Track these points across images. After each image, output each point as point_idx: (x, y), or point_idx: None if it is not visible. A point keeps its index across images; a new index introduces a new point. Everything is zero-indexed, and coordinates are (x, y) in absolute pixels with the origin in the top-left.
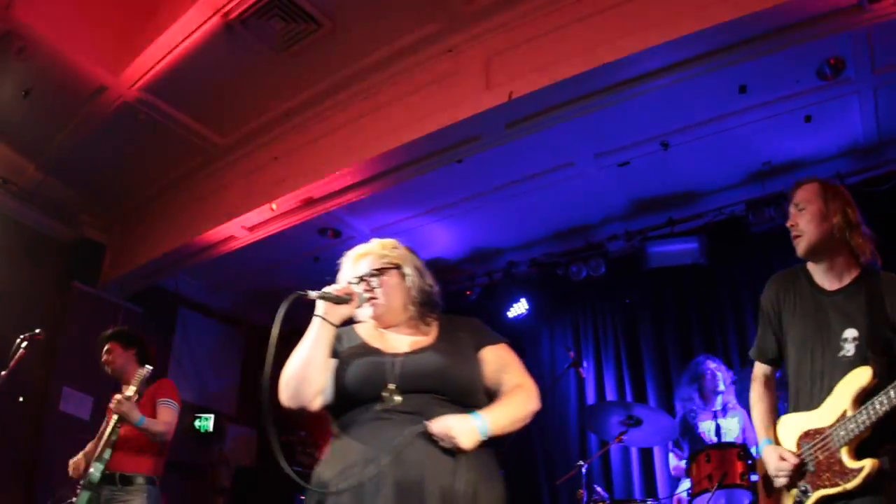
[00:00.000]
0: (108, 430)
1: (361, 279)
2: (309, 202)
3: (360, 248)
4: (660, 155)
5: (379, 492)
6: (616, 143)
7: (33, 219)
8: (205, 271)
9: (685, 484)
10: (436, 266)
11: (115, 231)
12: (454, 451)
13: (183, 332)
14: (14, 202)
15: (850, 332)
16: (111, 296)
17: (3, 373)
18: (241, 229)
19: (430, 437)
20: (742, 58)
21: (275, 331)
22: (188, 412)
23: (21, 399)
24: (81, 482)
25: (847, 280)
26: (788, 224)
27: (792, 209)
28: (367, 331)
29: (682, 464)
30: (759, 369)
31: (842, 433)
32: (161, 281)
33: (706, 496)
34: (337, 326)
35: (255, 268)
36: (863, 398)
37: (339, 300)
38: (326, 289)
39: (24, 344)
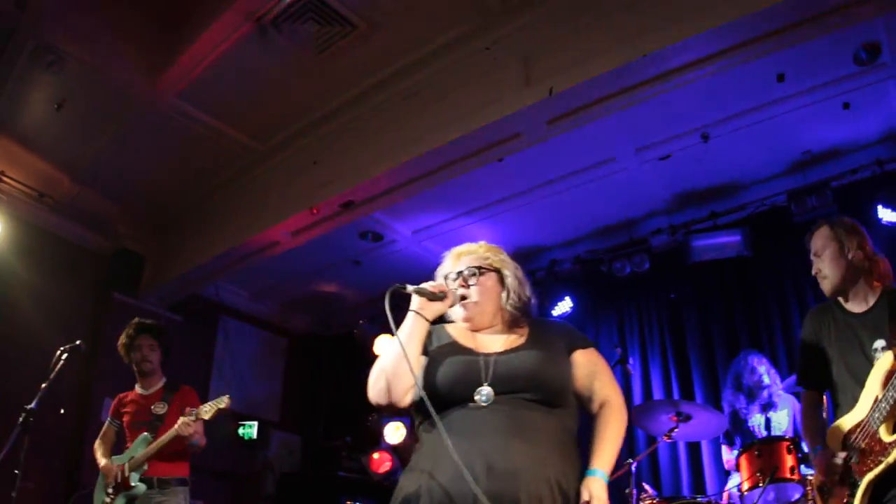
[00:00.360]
0: (154, 443)
1: (459, 275)
2: (350, 205)
3: (463, 246)
4: (700, 147)
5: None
6: (657, 137)
7: (71, 231)
8: (245, 279)
9: (735, 479)
10: None
11: (154, 241)
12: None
13: (224, 341)
14: (51, 216)
15: (879, 343)
16: (151, 306)
17: (43, 384)
18: (284, 234)
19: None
20: (779, 45)
21: (390, 318)
22: (232, 420)
23: (62, 411)
24: (111, 489)
25: (871, 301)
26: (813, 273)
27: (813, 259)
28: (457, 330)
29: (731, 456)
30: (810, 397)
31: (876, 415)
32: (201, 290)
33: (757, 491)
34: (430, 322)
35: (296, 274)
36: (889, 378)
37: (433, 296)
38: (423, 284)
39: (65, 356)
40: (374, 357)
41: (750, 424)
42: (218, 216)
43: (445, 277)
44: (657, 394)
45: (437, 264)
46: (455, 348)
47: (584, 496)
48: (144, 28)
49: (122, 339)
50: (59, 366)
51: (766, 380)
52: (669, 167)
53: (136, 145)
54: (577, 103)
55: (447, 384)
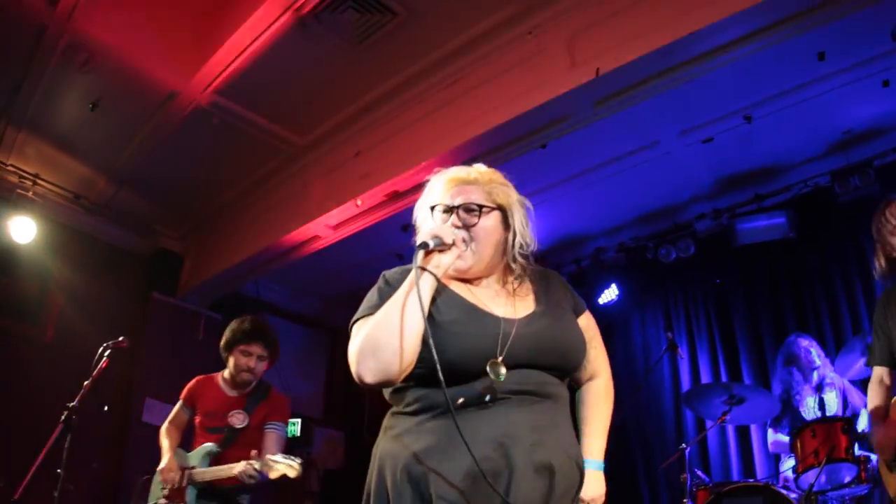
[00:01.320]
0: (219, 471)
1: (453, 211)
2: (394, 196)
3: (460, 171)
4: (743, 129)
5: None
6: (699, 120)
7: (108, 233)
8: (286, 276)
9: (790, 462)
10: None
11: (192, 240)
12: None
13: None
14: (87, 217)
15: None
16: (191, 305)
17: (86, 382)
18: (325, 228)
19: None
20: (818, 22)
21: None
22: None
23: (106, 408)
24: (166, 490)
25: None
26: None
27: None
28: (448, 281)
29: (781, 438)
30: (876, 372)
31: None
32: (241, 288)
33: (811, 473)
34: (438, 280)
35: (337, 269)
36: None
37: (442, 246)
38: (423, 235)
39: (108, 352)
40: None
41: (801, 407)
42: (257, 212)
43: (432, 209)
44: (705, 379)
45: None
46: (463, 310)
47: (586, 496)
48: (179, 23)
49: (234, 332)
50: (101, 363)
51: (818, 361)
52: (712, 150)
53: (172, 143)
54: (623, 84)
55: (458, 355)
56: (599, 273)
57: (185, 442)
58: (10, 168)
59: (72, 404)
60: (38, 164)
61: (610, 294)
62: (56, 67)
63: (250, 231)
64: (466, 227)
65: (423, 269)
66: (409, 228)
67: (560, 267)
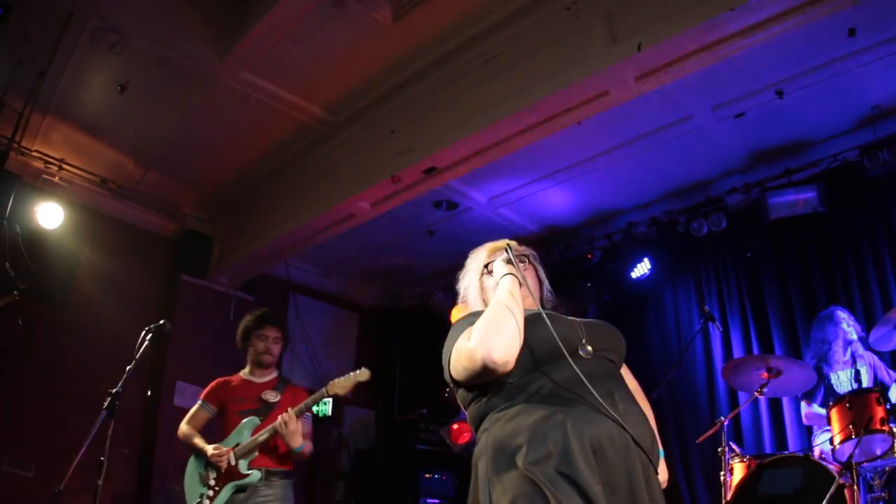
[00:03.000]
0: (261, 436)
1: (511, 255)
2: (432, 171)
3: (496, 243)
4: (775, 104)
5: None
6: (732, 94)
7: (136, 216)
8: (316, 255)
9: (823, 435)
10: (555, 231)
11: (221, 221)
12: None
13: (296, 318)
14: (114, 201)
15: None
16: (221, 287)
17: (128, 367)
18: (361, 206)
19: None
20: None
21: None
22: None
23: (149, 393)
24: (213, 479)
25: None
26: None
27: None
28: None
29: (817, 410)
30: None
31: None
32: (271, 268)
33: (849, 444)
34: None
35: (367, 248)
36: None
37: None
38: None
39: (150, 336)
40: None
41: (832, 381)
42: (289, 192)
43: (485, 267)
44: (737, 353)
45: (511, 231)
46: (532, 314)
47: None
48: (211, 1)
49: (247, 323)
50: (144, 346)
51: (853, 335)
52: (744, 125)
53: (202, 124)
54: (664, 59)
55: (551, 342)
56: (631, 247)
57: (215, 438)
58: (35, 154)
59: (115, 390)
60: (64, 149)
61: (642, 268)
62: (84, 50)
63: (283, 210)
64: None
65: (513, 274)
66: (441, 205)
67: (592, 241)
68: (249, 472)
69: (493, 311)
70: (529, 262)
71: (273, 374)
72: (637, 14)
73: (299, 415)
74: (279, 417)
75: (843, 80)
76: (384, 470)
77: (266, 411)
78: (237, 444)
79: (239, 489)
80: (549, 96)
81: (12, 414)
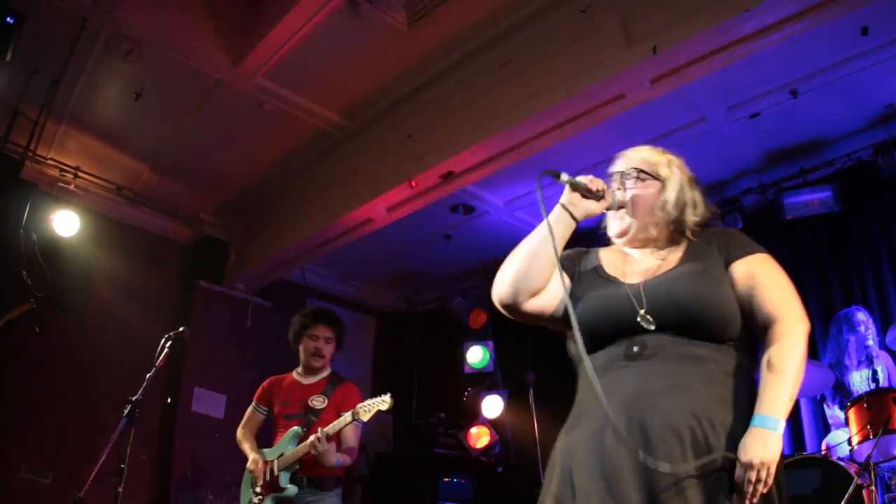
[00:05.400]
0: (300, 450)
1: (619, 175)
2: (450, 176)
3: (637, 148)
4: (789, 104)
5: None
6: (747, 95)
7: (152, 223)
8: (332, 260)
9: (833, 435)
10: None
11: (238, 227)
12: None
13: None
14: (130, 208)
15: None
16: (238, 293)
17: (148, 374)
18: (379, 211)
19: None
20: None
21: (542, 202)
22: None
23: (169, 400)
24: (259, 487)
25: None
26: None
27: None
28: (609, 254)
29: (837, 413)
30: None
31: None
32: (288, 274)
33: (867, 444)
34: (577, 222)
35: (384, 252)
36: None
37: (588, 193)
38: (579, 177)
39: (169, 343)
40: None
41: (848, 380)
42: (305, 197)
43: (610, 177)
44: None
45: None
46: (597, 277)
47: (740, 454)
48: (225, 7)
49: (298, 320)
50: (164, 354)
51: (871, 335)
52: (759, 125)
53: (218, 130)
54: (680, 61)
55: (592, 318)
56: None
57: (266, 442)
58: (50, 162)
59: (134, 397)
60: (79, 157)
61: None
62: (98, 58)
63: (299, 216)
64: (625, 188)
65: (563, 205)
66: (458, 209)
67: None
68: (287, 486)
69: (523, 242)
70: (641, 177)
71: (324, 374)
72: (652, 16)
73: (328, 437)
74: (311, 438)
75: (856, 79)
76: (402, 474)
77: (310, 419)
78: (281, 455)
79: (278, 501)
80: (565, 100)
81: (30, 421)
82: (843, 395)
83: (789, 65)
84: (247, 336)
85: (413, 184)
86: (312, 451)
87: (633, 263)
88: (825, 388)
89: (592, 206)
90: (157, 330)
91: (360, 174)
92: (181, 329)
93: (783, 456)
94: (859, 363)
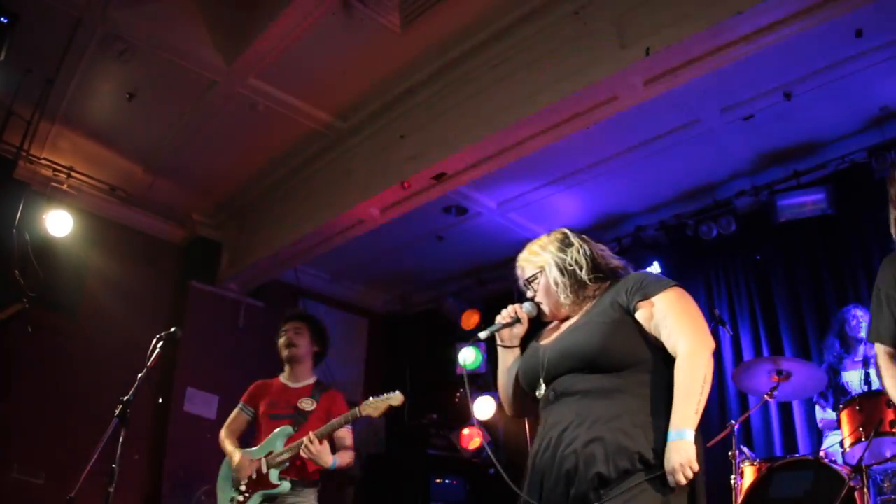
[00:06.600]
0: (292, 449)
1: (524, 284)
2: (442, 177)
3: (524, 252)
4: (783, 106)
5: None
6: (740, 97)
7: (144, 223)
8: (325, 261)
9: (831, 439)
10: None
11: (230, 227)
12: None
13: None
14: (123, 208)
15: None
16: (230, 293)
17: (139, 374)
18: (371, 212)
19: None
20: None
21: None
22: None
23: (160, 400)
24: (244, 485)
25: None
26: None
27: None
28: (548, 329)
29: (830, 415)
30: (881, 349)
31: None
32: (280, 274)
33: (859, 446)
34: (518, 346)
35: (376, 253)
36: None
37: (507, 325)
38: (497, 319)
39: (161, 343)
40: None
41: (843, 380)
42: (298, 198)
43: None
44: (747, 355)
45: (520, 236)
46: (533, 348)
47: (668, 468)
48: (218, 7)
49: (278, 329)
50: (155, 354)
51: (863, 334)
52: (753, 127)
53: (211, 130)
54: (673, 63)
55: (521, 380)
56: (641, 251)
57: (246, 444)
58: (43, 162)
59: (126, 397)
60: (72, 157)
61: (651, 272)
62: (92, 59)
63: (292, 217)
64: (535, 293)
65: (501, 346)
66: (450, 210)
67: None
68: (279, 482)
69: None
70: (533, 279)
71: (310, 380)
72: (645, 18)
73: (321, 437)
74: (303, 440)
75: (850, 81)
76: (394, 475)
77: (300, 420)
78: (270, 453)
79: (267, 498)
80: (558, 101)
81: (22, 421)
82: (837, 396)
83: (783, 67)
84: (239, 337)
85: (406, 185)
86: (304, 454)
87: (559, 329)
88: (818, 390)
89: (518, 329)
90: (149, 330)
91: (353, 175)
92: (173, 329)
93: (773, 458)
94: (855, 363)
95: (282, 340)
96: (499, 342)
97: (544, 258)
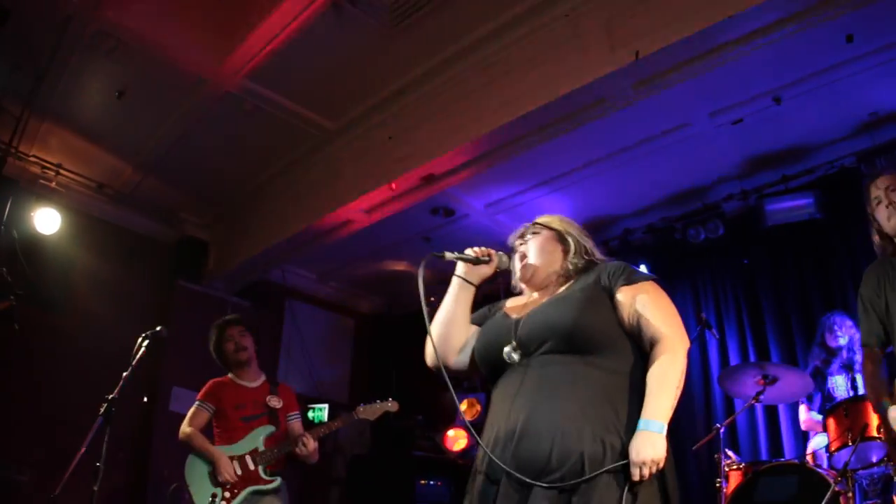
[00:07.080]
0: (284, 447)
1: (520, 236)
2: (429, 179)
3: (539, 217)
4: (772, 110)
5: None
6: (730, 101)
7: (132, 221)
8: (312, 261)
9: (817, 440)
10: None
11: (218, 227)
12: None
13: (292, 324)
14: (111, 206)
15: None
16: (217, 292)
17: (125, 373)
18: (358, 212)
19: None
20: (850, 6)
21: (421, 290)
22: (301, 403)
23: (145, 399)
24: (230, 482)
25: None
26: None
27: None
28: (514, 301)
29: (815, 416)
30: (869, 353)
31: None
32: (267, 274)
33: (845, 451)
34: (476, 286)
35: (364, 254)
36: None
37: (477, 261)
38: (467, 250)
39: (146, 342)
40: None
41: (829, 385)
42: (286, 198)
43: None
44: (734, 359)
45: (507, 238)
46: (499, 316)
47: (631, 456)
48: (209, 7)
49: (211, 342)
50: (140, 353)
51: (843, 340)
52: (742, 131)
53: (200, 130)
54: (662, 67)
55: (480, 350)
56: (628, 254)
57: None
58: (32, 158)
59: (111, 396)
60: (60, 155)
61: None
62: (81, 56)
63: (279, 216)
64: (525, 241)
65: (459, 276)
66: (438, 211)
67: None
68: (272, 478)
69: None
70: (536, 231)
71: (262, 378)
72: (635, 22)
73: (317, 438)
74: (299, 441)
75: (840, 86)
76: (379, 476)
77: (276, 418)
78: (254, 450)
79: (256, 493)
80: (547, 104)
81: (7, 419)
82: (824, 399)
83: (773, 71)
84: None
85: (393, 186)
86: (300, 451)
87: (531, 302)
88: (803, 394)
89: (484, 270)
90: (136, 328)
91: (341, 175)
92: (158, 328)
93: (759, 461)
94: (840, 368)
95: (230, 346)
96: (459, 272)
97: (563, 225)
